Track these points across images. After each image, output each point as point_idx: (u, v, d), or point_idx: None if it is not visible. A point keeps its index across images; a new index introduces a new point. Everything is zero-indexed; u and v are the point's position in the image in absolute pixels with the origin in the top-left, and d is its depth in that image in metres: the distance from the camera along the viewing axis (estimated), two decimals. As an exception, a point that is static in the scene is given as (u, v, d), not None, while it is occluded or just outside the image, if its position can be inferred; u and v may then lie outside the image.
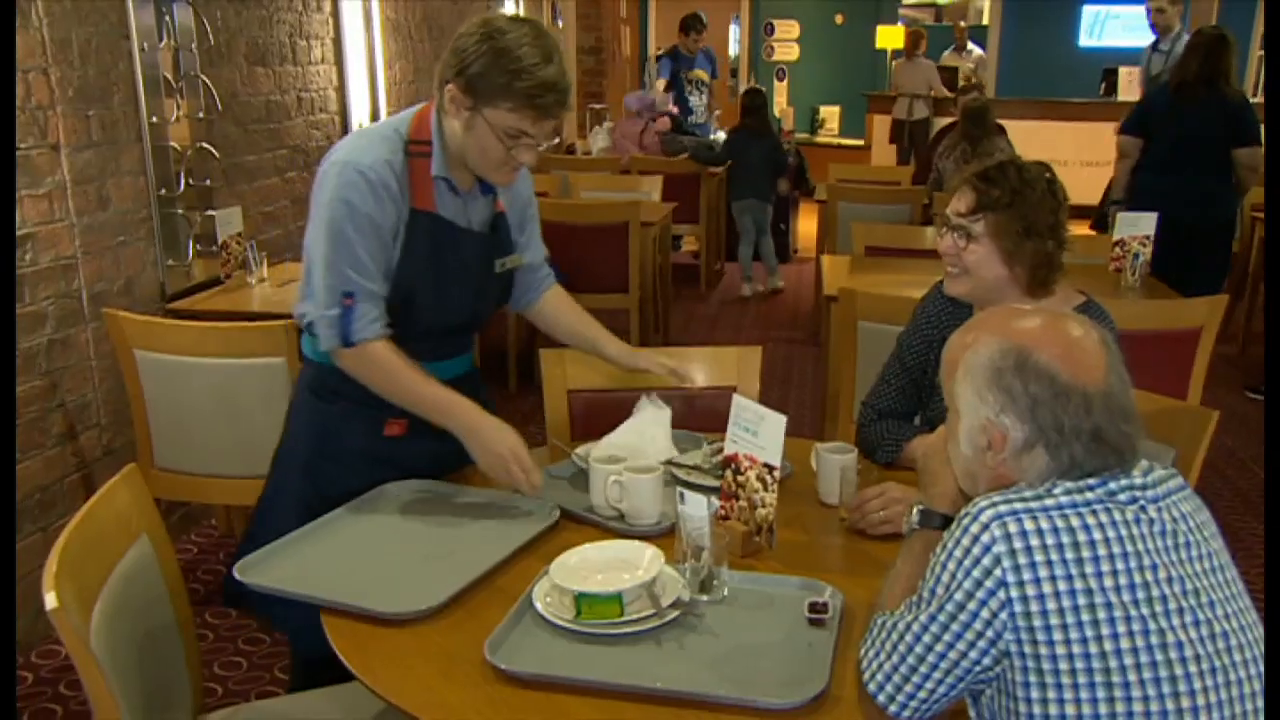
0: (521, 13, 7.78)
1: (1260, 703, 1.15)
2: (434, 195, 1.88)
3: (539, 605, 1.52)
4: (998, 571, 1.12)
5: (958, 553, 1.15)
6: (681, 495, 1.67)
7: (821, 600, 1.50)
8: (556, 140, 1.93)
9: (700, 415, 2.48)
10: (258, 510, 2.10)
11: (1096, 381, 1.20)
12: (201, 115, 3.64)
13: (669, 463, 2.00)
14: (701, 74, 8.24)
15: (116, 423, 3.24)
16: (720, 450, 1.96)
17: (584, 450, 2.03)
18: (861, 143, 11.57)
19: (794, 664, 1.39)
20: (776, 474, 1.71)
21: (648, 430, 2.08)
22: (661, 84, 8.61)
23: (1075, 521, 1.14)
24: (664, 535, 1.74)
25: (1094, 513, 1.14)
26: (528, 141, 1.82)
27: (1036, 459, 1.21)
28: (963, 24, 12.32)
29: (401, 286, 1.88)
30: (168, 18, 3.43)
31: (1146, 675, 1.10)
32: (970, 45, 11.57)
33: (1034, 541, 1.12)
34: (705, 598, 1.55)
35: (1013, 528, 1.13)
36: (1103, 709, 1.09)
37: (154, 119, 3.37)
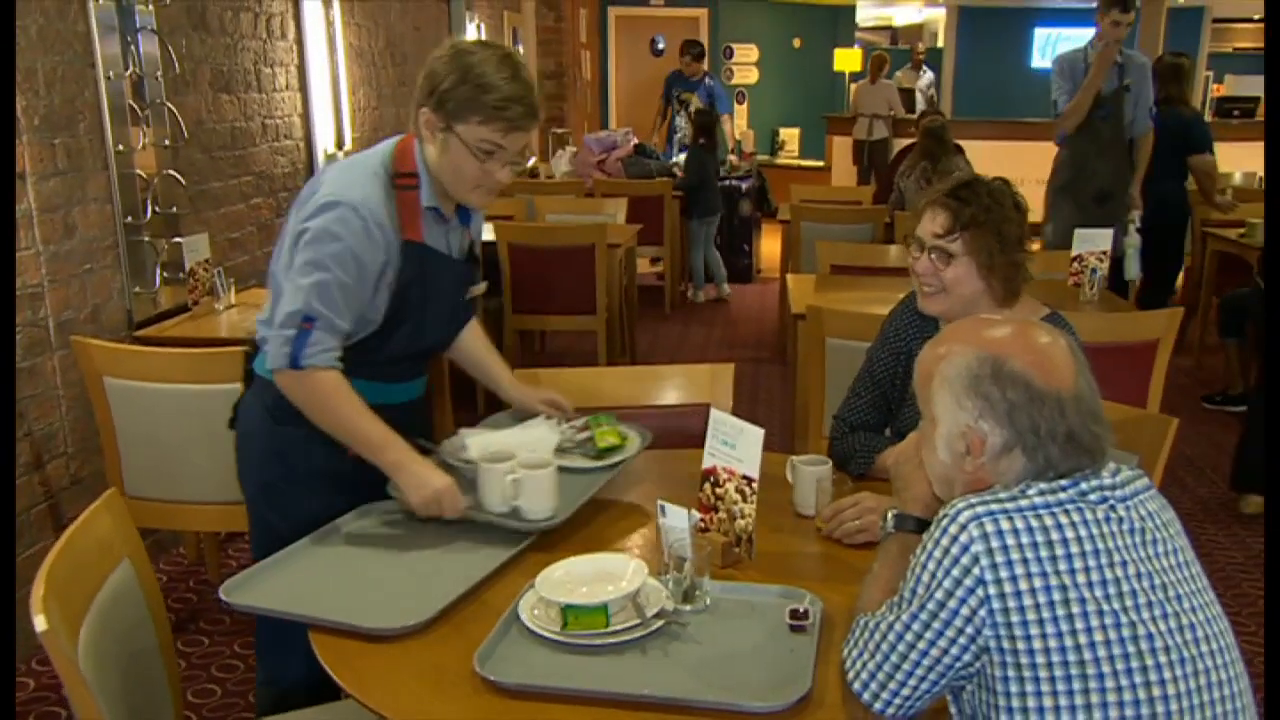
0: (483, 38, 7.83)
1: (1229, 690, 1.20)
2: (422, 226, 1.92)
3: (525, 618, 1.54)
4: (976, 570, 1.16)
5: (937, 553, 1.19)
6: (662, 508, 1.70)
7: (802, 607, 1.53)
8: (531, 161, 2.02)
9: (673, 433, 2.51)
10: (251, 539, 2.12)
11: (1068, 385, 1.25)
12: (167, 143, 3.64)
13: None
14: (692, 97, 8.34)
15: (84, 451, 3.22)
16: (585, 428, 2.11)
17: (451, 446, 2.02)
18: (821, 164, 11.71)
19: (777, 669, 1.42)
20: (755, 486, 1.74)
21: (530, 433, 2.09)
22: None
23: (1049, 521, 1.18)
24: (557, 529, 1.81)
25: (1066, 512, 1.19)
26: (502, 156, 1.86)
27: (1014, 462, 1.25)
28: (920, 46, 12.55)
29: (392, 315, 1.92)
30: (133, 46, 3.43)
31: (1120, 667, 1.14)
32: (924, 67, 11.78)
33: (1010, 541, 1.17)
34: (689, 607, 1.58)
35: (990, 528, 1.17)
36: (1078, 700, 1.13)
37: (120, 147, 3.36)
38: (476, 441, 2.00)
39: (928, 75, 11.69)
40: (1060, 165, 5.34)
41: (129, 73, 3.42)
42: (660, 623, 1.52)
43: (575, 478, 1.97)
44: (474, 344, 2.26)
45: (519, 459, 1.86)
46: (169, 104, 3.61)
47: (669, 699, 1.35)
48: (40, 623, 1.35)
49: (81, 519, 1.64)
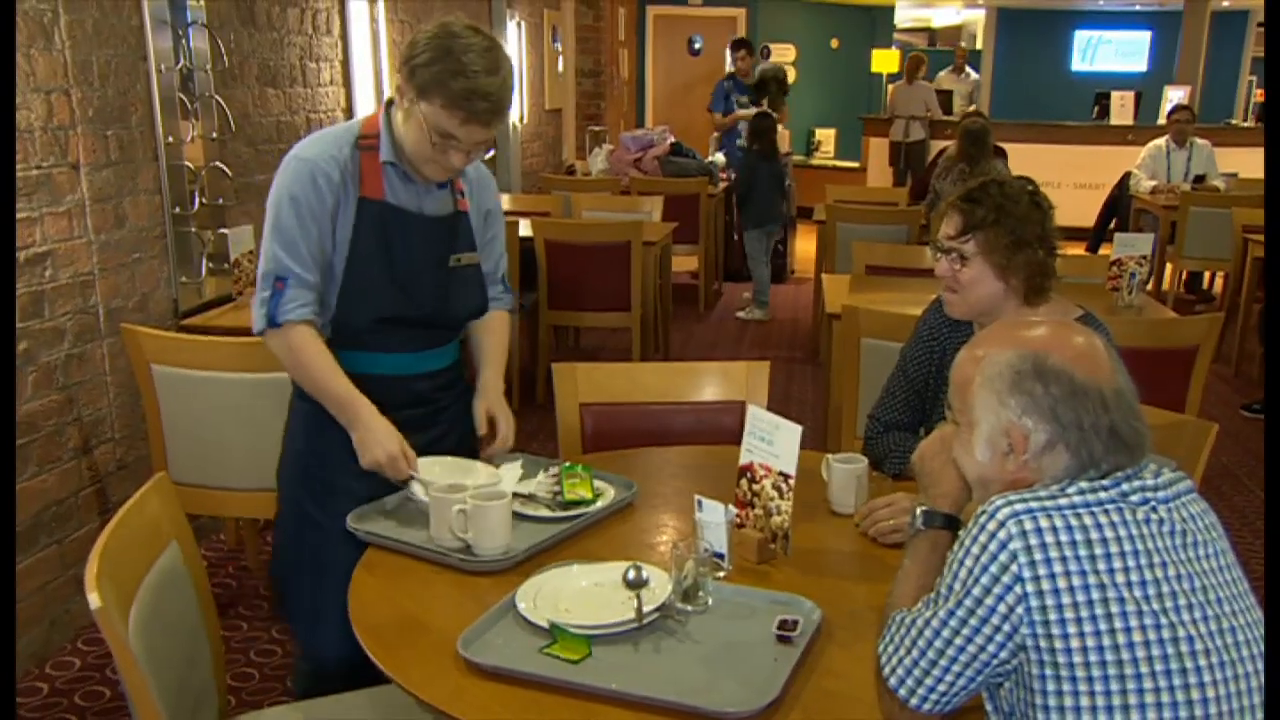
0: (524, 36, 7.87)
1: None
2: (383, 183, 1.94)
3: (523, 607, 1.57)
4: (1014, 567, 1.17)
5: (975, 549, 1.20)
6: (699, 503, 1.73)
7: (791, 619, 1.54)
8: (491, 153, 2.00)
9: (708, 430, 2.54)
10: (277, 525, 2.18)
11: (1108, 380, 1.26)
12: (215, 135, 3.70)
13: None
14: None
15: (130, 437, 3.28)
16: (557, 477, 1.97)
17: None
18: (857, 165, 11.68)
19: (755, 676, 1.42)
20: (791, 483, 1.76)
21: (498, 471, 2.02)
22: (716, 118, 8.63)
23: (1089, 520, 1.19)
24: (510, 569, 1.70)
25: (1106, 512, 1.20)
26: (456, 145, 1.86)
27: (1058, 458, 1.26)
28: (963, 46, 12.44)
29: (356, 273, 1.95)
30: (184, 40, 3.50)
31: (1158, 668, 1.15)
32: (968, 69, 11.66)
33: (1049, 539, 1.17)
34: (689, 607, 1.59)
35: (1029, 525, 1.18)
36: (1116, 700, 1.14)
37: (170, 139, 3.43)
38: (437, 467, 1.96)
39: (973, 77, 11.55)
40: None
41: (179, 66, 3.48)
42: (654, 617, 1.55)
43: (528, 525, 1.85)
44: (487, 333, 2.19)
45: (471, 490, 1.77)
46: (217, 97, 3.68)
47: (632, 695, 1.37)
48: (94, 600, 1.39)
49: (132, 502, 1.68)
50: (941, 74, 11.50)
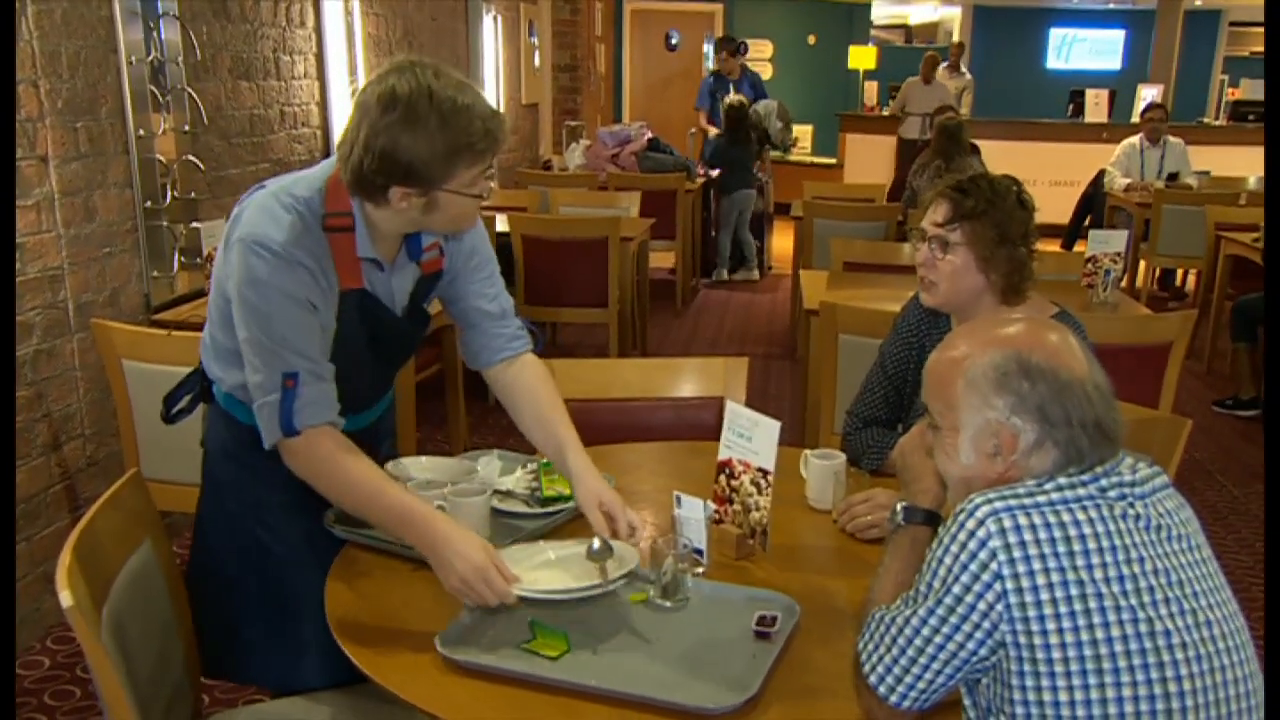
0: (500, 30, 7.82)
1: (1244, 688, 1.21)
2: (362, 273, 1.76)
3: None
4: (994, 565, 1.18)
5: (954, 548, 1.21)
6: (678, 499, 1.72)
7: (770, 614, 1.54)
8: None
9: (687, 425, 2.53)
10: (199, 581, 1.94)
11: (1087, 374, 1.27)
12: (187, 128, 3.66)
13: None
14: (740, 99, 8.28)
15: (100, 433, 3.24)
16: (536, 473, 1.96)
17: (394, 472, 1.87)
18: (834, 161, 11.70)
19: (733, 672, 1.43)
20: (770, 479, 1.76)
21: (474, 466, 2.01)
22: (703, 115, 8.82)
23: (1066, 517, 1.19)
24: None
25: (1084, 508, 1.20)
26: (490, 173, 1.69)
27: (1045, 455, 1.26)
28: (961, 42, 12.39)
29: (339, 363, 1.75)
30: (155, 32, 3.45)
31: (1136, 662, 1.15)
32: (963, 68, 11.60)
33: (1028, 536, 1.18)
34: (668, 603, 1.60)
35: (1008, 523, 1.18)
36: (1094, 694, 1.15)
37: (141, 132, 3.38)
38: (420, 467, 1.94)
39: (967, 77, 11.49)
40: None
41: (150, 58, 3.43)
42: (622, 582, 1.56)
43: (507, 522, 1.85)
44: (530, 392, 1.92)
45: (450, 488, 1.76)
46: (189, 90, 3.63)
47: (612, 691, 1.37)
48: (66, 599, 1.37)
49: (105, 498, 1.66)
50: (940, 69, 11.46)
